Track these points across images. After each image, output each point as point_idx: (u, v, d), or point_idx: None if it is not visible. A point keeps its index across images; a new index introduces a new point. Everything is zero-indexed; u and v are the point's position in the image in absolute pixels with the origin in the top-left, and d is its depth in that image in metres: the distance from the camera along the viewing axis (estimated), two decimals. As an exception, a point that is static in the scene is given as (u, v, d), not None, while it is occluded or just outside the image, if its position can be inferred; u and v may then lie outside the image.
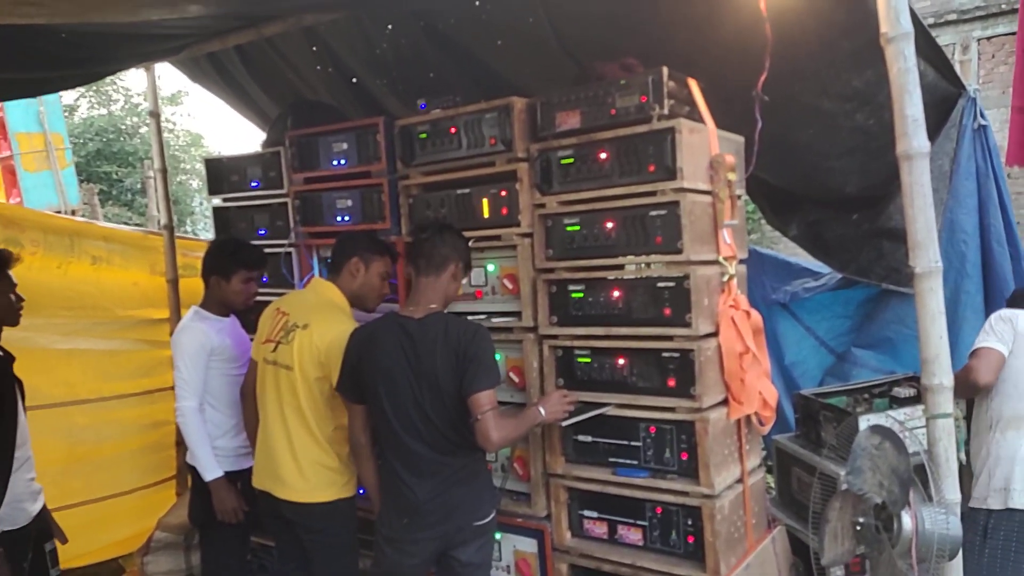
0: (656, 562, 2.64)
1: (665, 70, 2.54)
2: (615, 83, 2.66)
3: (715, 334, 2.61)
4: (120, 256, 4.47)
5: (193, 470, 3.13)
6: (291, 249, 3.58)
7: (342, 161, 3.36)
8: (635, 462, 2.73)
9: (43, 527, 2.92)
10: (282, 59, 4.13)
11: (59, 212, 6.94)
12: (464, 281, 2.75)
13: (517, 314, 2.93)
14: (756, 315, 2.75)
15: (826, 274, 4.36)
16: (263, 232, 3.70)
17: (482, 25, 3.32)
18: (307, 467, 2.70)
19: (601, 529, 2.84)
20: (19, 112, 7.48)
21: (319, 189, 3.45)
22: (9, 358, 2.80)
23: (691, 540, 2.61)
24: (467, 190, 3.02)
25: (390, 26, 3.61)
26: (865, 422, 2.71)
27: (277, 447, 2.75)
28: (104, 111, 19.15)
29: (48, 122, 7.66)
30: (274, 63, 4.17)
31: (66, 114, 17.47)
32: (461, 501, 2.43)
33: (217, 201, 3.91)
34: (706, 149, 2.66)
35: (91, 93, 18.95)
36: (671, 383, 2.60)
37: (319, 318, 2.74)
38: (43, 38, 3.11)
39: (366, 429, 2.58)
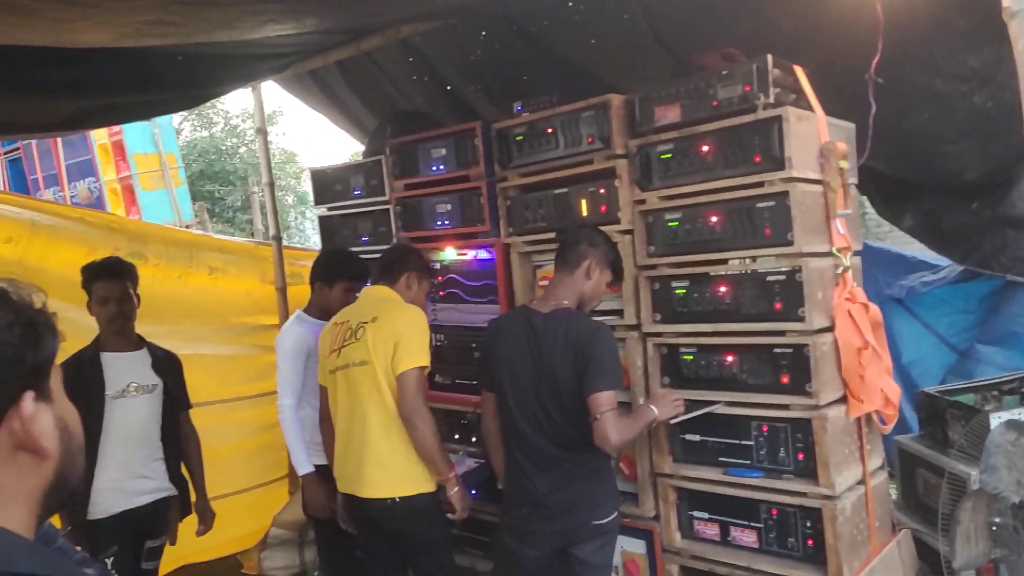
0: (773, 565, 2.56)
1: (770, 58, 2.47)
2: (716, 74, 2.60)
3: (831, 329, 2.51)
4: (234, 266, 4.71)
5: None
6: (394, 255, 3.67)
7: (441, 167, 3.43)
8: (747, 462, 2.65)
9: (152, 525, 3.07)
10: (380, 71, 4.25)
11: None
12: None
13: (619, 312, 2.91)
14: (875, 309, 2.63)
15: (945, 267, 4.12)
16: (366, 239, 3.82)
17: (575, 25, 3.32)
18: (391, 460, 2.68)
19: (713, 530, 2.77)
20: (136, 134, 8.05)
21: (419, 195, 3.53)
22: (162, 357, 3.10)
23: (810, 543, 2.51)
24: (565, 189, 3.02)
25: (484, 32, 3.66)
26: (997, 419, 2.54)
27: (358, 447, 2.72)
28: (206, 133, 20.32)
29: (162, 143, 8.20)
30: (373, 76, 4.30)
31: (171, 137, 18.64)
32: (581, 498, 2.41)
33: (322, 210, 4.06)
34: (815, 137, 2.56)
35: (193, 116, 20.15)
36: (784, 380, 2.51)
37: (385, 309, 2.76)
38: (161, 61, 3.32)
39: (496, 417, 2.60)
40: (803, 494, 2.47)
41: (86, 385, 2.87)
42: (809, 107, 2.58)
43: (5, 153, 9.24)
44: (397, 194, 3.62)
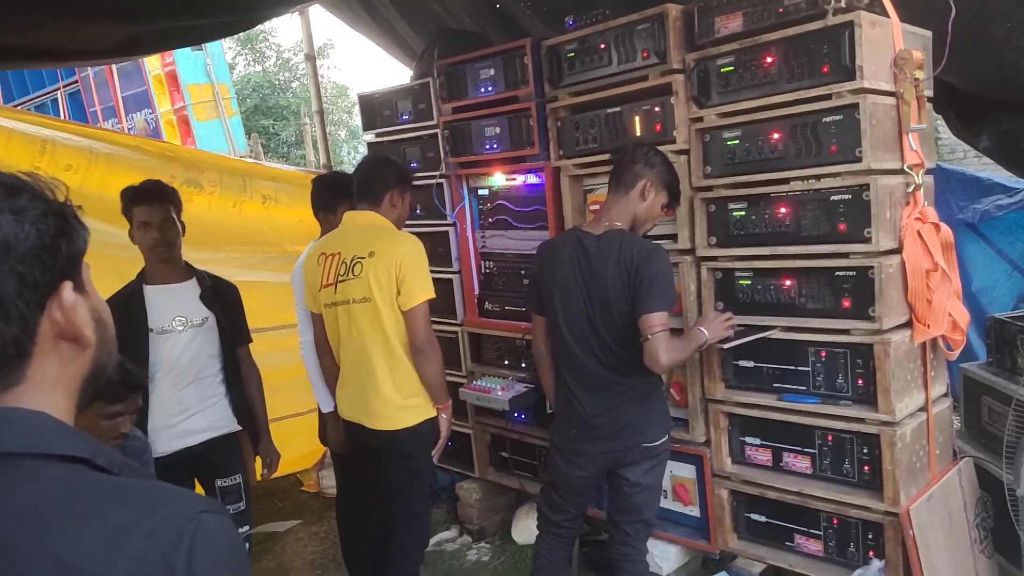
0: (826, 490, 2.52)
1: (842, -43, 2.29)
2: (783, -23, 2.43)
3: (898, 250, 2.39)
4: (286, 195, 4.74)
5: None
6: (442, 180, 3.64)
7: (489, 88, 3.33)
8: (803, 388, 2.58)
9: (215, 464, 2.87)
10: (427, -10, 4.13)
11: (229, 159, 7.49)
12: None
13: (673, 236, 2.83)
14: (947, 229, 2.49)
15: (1022, 189, 3.87)
16: (415, 164, 3.78)
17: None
18: (395, 396, 2.69)
19: (764, 456, 2.74)
20: (188, 64, 8.08)
21: (467, 118, 3.45)
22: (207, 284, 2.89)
23: (867, 469, 2.46)
24: (617, 108, 2.91)
25: (533, -56, 3.49)
26: (1073, 347, 2.41)
27: (364, 382, 2.72)
28: (259, 68, 20.36)
29: (215, 73, 8.23)
30: (419, -5, 4.18)
31: (225, 73, 18.77)
32: (631, 420, 2.40)
33: (370, 136, 4.02)
34: (889, 45, 2.38)
35: (246, 51, 20.16)
36: (846, 304, 2.42)
37: (382, 243, 2.67)
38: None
39: (547, 340, 2.59)
40: (861, 420, 2.40)
41: (130, 321, 2.67)
42: (883, 12, 2.40)
43: (65, 86, 9.44)
44: (445, 117, 3.55)
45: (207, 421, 2.84)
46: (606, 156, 2.86)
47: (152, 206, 2.73)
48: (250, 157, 9.15)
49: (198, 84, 8.16)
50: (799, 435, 2.62)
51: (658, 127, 2.79)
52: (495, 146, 3.37)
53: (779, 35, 2.43)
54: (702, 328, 2.44)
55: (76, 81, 9.26)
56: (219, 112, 8.16)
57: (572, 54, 3.00)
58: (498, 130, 3.34)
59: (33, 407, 0.71)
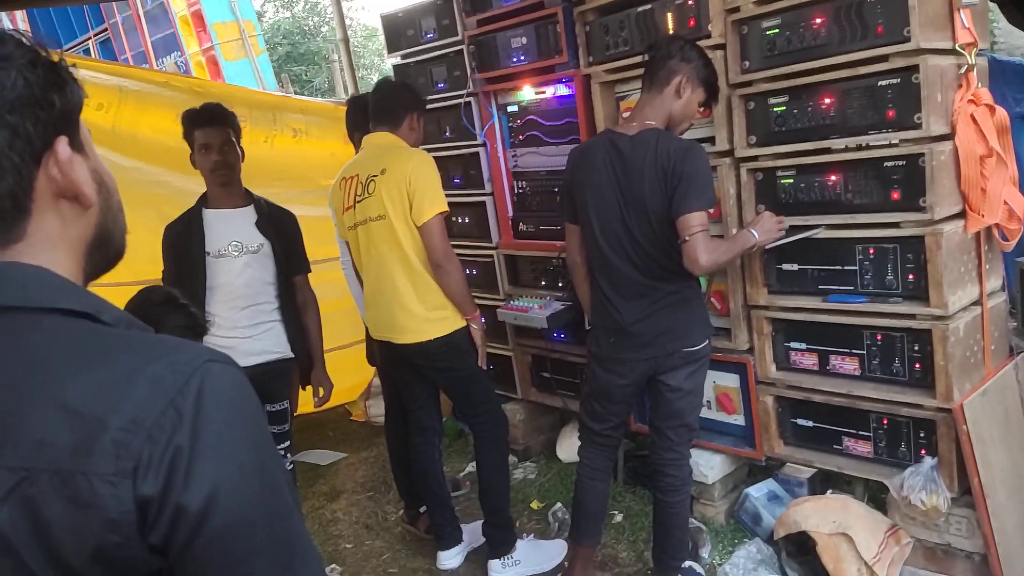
0: (875, 391, 2.46)
1: None
2: None
3: (950, 136, 2.25)
4: (317, 128, 4.70)
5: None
6: (470, 99, 3.55)
7: (515, -6, 3.20)
8: (850, 287, 2.49)
9: (267, 388, 2.83)
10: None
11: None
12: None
13: (711, 139, 2.72)
14: (1001, 112, 2.34)
15: (1086, 78, 3.61)
16: (441, 85, 3.70)
17: None
18: (419, 309, 2.70)
19: (811, 360, 2.67)
20: (213, 3, 8.00)
21: (493, 30, 3.34)
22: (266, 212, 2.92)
23: (918, 367, 2.38)
24: (648, 6, 2.77)
25: None
26: None
27: (388, 299, 2.74)
28: (288, 14, 20.12)
29: (240, 10, 8.14)
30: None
31: (255, 18, 18.64)
32: (670, 326, 2.35)
33: (396, 59, 3.93)
34: (940, -89, 2.20)
35: (274, -2, 19.91)
36: (895, 196, 2.30)
37: (391, 159, 2.66)
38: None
39: (582, 249, 2.52)
40: (912, 316, 2.32)
41: (188, 243, 2.76)
42: None
43: (96, 34, 9.47)
44: (470, 32, 3.44)
45: (261, 345, 2.88)
46: (638, 59, 2.74)
47: (214, 128, 2.78)
48: (281, 92, 9.12)
49: (224, 23, 8.08)
50: (846, 336, 2.54)
51: (692, 22, 2.66)
52: (522, 58, 3.26)
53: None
54: (752, 230, 2.35)
55: (106, 29, 9.28)
56: (247, 51, 8.09)
57: (598, -50, 2.86)
58: (524, 40, 3.22)
59: (36, 263, 0.70)
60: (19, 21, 8.52)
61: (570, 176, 2.47)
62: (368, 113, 2.89)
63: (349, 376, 4.86)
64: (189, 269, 2.73)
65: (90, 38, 9.45)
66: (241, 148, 2.87)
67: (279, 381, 2.93)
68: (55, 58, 0.75)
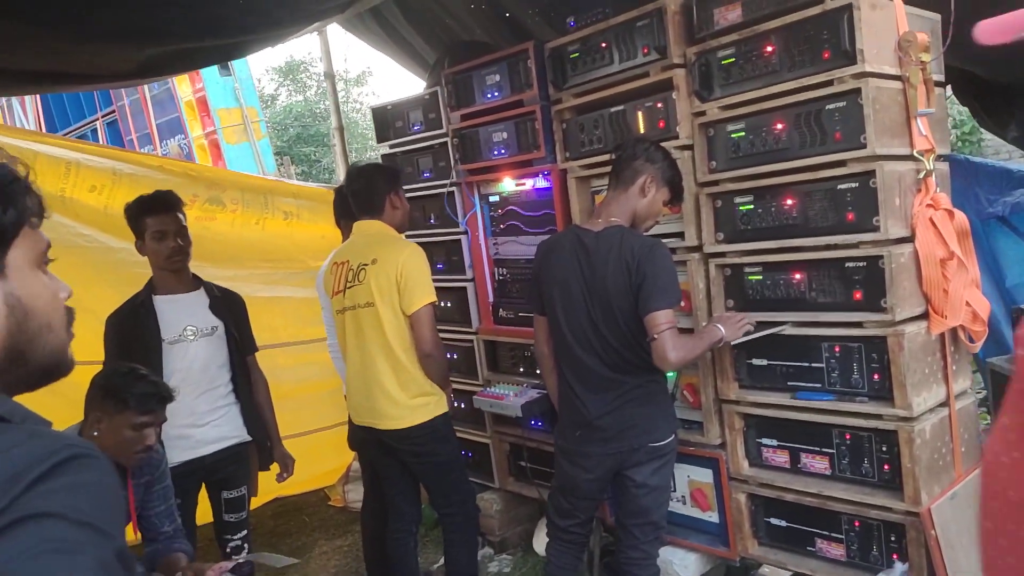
0: (846, 491, 2.42)
1: (838, -61, 2.23)
2: (779, -36, 2.38)
3: (910, 239, 2.30)
4: (308, 211, 4.80)
5: None
6: (453, 188, 3.64)
7: (495, 93, 3.33)
8: (818, 385, 2.49)
9: (225, 475, 2.88)
10: (438, 4, 4.17)
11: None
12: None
13: (680, 234, 2.77)
14: (961, 216, 2.39)
15: (1056, 180, 3.70)
16: (427, 174, 3.80)
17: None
18: (401, 396, 2.72)
19: (782, 458, 2.64)
20: (218, 89, 8.33)
21: (475, 125, 3.46)
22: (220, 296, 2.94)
23: (887, 468, 2.35)
24: (621, 107, 2.88)
25: (539, -50, 3.50)
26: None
27: (370, 384, 2.77)
28: (300, 97, 20.87)
29: (243, 97, 8.46)
30: (431, 9, 4.22)
31: (267, 103, 19.33)
32: (636, 420, 2.34)
33: (384, 148, 4.06)
34: (892, 27, 2.32)
35: (288, 82, 20.69)
36: (857, 296, 2.33)
37: (383, 250, 2.74)
38: (225, 5, 3.35)
39: (549, 341, 2.55)
40: (878, 416, 2.31)
41: (141, 331, 2.71)
42: (886, -6, 2.33)
43: (103, 116, 9.80)
44: (454, 125, 3.56)
45: (219, 432, 2.86)
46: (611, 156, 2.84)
47: (168, 215, 2.79)
48: (280, 175, 9.34)
49: (227, 108, 8.39)
50: (816, 434, 2.53)
51: (661, 123, 2.75)
52: (503, 151, 3.36)
53: (778, 23, 2.38)
54: (719, 325, 2.38)
55: (113, 111, 9.61)
56: (248, 135, 8.35)
57: (575, 55, 2.99)
58: (505, 135, 3.33)
59: None
60: (28, 102, 8.83)
61: (538, 269, 2.52)
62: (345, 202, 2.98)
63: (330, 459, 4.80)
64: (141, 357, 2.64)
65: (98, 119, 9.78)
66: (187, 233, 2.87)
67: (237, 466, 2.92)
68: (20, 173, 0.78)
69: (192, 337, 2.82)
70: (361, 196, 2.87)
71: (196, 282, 2.93)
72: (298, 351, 4.78)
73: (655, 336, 2.19)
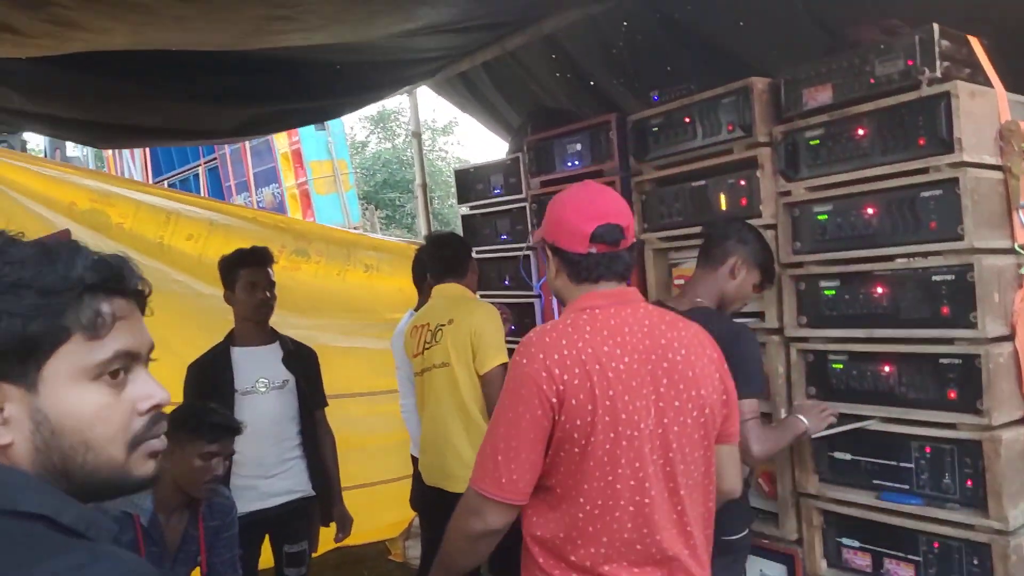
0: (932, 606, 2.24)
1: (936, 27, 2.16)
2: (873, 48, 2.32)
3: (1010, 337, 2.15)
4: (388, 264, 4.93)
5: (415, 460, 3.26)
6: (528, 252, 3.66)
7: (576, 162, 3.36)
8: (906, 486, 2.33)
9: (288, 528, 2.91)
10: (524, 70, 4.26)
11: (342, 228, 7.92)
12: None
13: (760, 314, 2.69)
14: (1068, 315, 2.22)
15: None
16: (505, 237, 3.84)
17: (721, 6, 3.12)
18: (471, 458, 2.66)
19: (863, 561, 2.47)
20: (312, 142, 8.77)
21: (554, 192, 3.47)
22: (292, 349, 3.05)
23: (979, 584, 2.16)
24: (702, 182, 2.84)
25: (625, 23, 3.54)
26: None
27: (443, 445, 2.79)
28: (389, 145, 21.68)
29: (335, 151, 8.85)
30: (517, 75, 4.32)
31: (358, 149, 20.16)
32: None
33: (464, 209, 4.13)
34: (993, 116, 2.21)
35: (378, 130, 21.56)
36: (951, 395, 2.19)
37: (460, 310, 2.82)
38: (321, 72, 3.54)
39: None
40: (970, 527, 2.13)
41: (216, 382, 2.80)
42: (986, 82, 2.24)
43: (206, 162, 10.43)
44: (533, 191, 3.60)
45: (285, 484, 2.92)
46: (691, 230, 2.80)
47: (261, 268, 2.94)
48: (365, 224, 9.65)
49: (319, 161, 8.79)
50: (902, 539, 2.35)
51: (744, 201, 2.70)
52: (581, 219, 3.36)
53: (871, 106, 2.31)
54: (801, 417, 2.28)
55: (215, 158, 10.23)
56: (337, 186, 8.71)
57: (657, 128, 2.98)
58: (585, 204, 3.33)
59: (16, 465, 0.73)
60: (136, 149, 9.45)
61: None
62: (416, 267, 3.21)
63: (391, 512, 4.80)
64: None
65: (200, 165, 10.42)
66: None
67: (300, 520, 2.97)
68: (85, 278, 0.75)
69: (264, 390, 2.90)
70: (450, 261, 3.01)
71: (272, 335, 3.03)
72: (370, 401, 4.85)
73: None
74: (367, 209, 10.28)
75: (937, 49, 2.16)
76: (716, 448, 1.68)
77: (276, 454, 2.90)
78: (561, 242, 1.65)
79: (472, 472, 1.57)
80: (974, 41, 2.27)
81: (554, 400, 1.48)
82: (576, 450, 1.49)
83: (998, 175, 2.19)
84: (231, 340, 2.94)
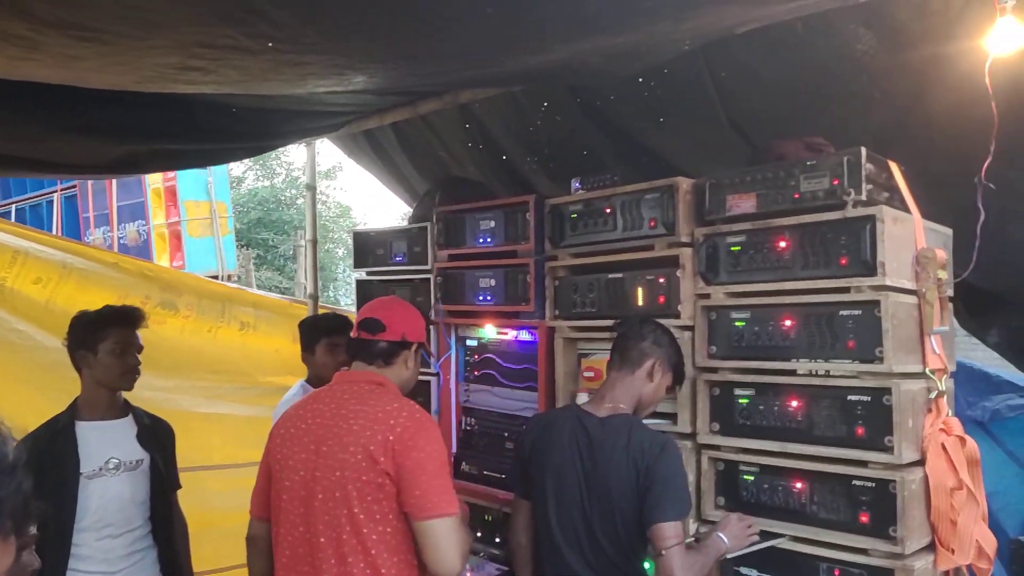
0: None
1: (863, 150, 2.22)
2: (800, 163, 2.35)
3: (921, 463, 2.16)
4: (266, 323, 4.56)
5: None
6: (430, 327, 3.45)
7: (488, 239, 3.22)
8: (813, 610, 2.27)
9: None
10: (434, 135, 4.13)
11: (216, 276, 7.36)
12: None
13: (672, 416, 2.60)
14: (972, 444, 2.27)
15: (1033, 390, 3.71)
16: (403, 308, 3.60)
17: (644, 103, 3.13)
18: None
19: None
20: (189, 181, 8.17)
21: (462, 267, 3.31)
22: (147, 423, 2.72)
23: None
24: (620, 275, 2.76)
25: (545, 103, 3.50)
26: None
27: None
28: (267, 183, 20.90)
29: (215, 191, 8.28)
30: (427, 140, 4.18)
31: (233, 185, 19.29)
32: None
33: (361, 274, 3.88)
34: (911, 242, 2.27)
35: (257, 166, 20.77)
36: (864, 518, 2.16)
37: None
38: (211, 111, 3.23)
39: (528, 529, 2.30)
40: (881, 660, 2.08)
41: (57, 461, 2.41)
42: (904, 208, 2.31)
43: (63, 189, 9.48)
44: (440, 264, 3.42)
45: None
46: (604, 322, 2.70)
47: (130, 329, 2.57)
48: (240, 272, 9.07)
49: (196, 201, 8.20)
50: (806, 665, 2.27)
51: (661, 299, 2.64)
52: (489, 298, 3.21)
53: (794, 221, 2.33)
54: (722, 535, 2.17)
55: (74, 186, 9.34)
56: (213, 230, 8.13)
57: (576, 215, 2.90)
58: (493, 282, 3.19)
59: None
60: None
61: (529, 447, 2.30)
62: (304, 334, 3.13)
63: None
64: (55, 491, 2.36)
65: (56, 192, 9.45)
66: None
67: None
68: None
69: (115, 471, 2.53)
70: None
71: (126, 407, 2.66)
72: (231, 475, 4.38)
73: (662, 552, 1.98)
74: (241, 253, 9.64)
75: (863, 172, 2.20)
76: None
77: (124, 545, 2.53)
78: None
79: None
80: (894, 166, 2.34)
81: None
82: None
83: (913, 300, 2.23)
84: (75, 413, 2.54)
